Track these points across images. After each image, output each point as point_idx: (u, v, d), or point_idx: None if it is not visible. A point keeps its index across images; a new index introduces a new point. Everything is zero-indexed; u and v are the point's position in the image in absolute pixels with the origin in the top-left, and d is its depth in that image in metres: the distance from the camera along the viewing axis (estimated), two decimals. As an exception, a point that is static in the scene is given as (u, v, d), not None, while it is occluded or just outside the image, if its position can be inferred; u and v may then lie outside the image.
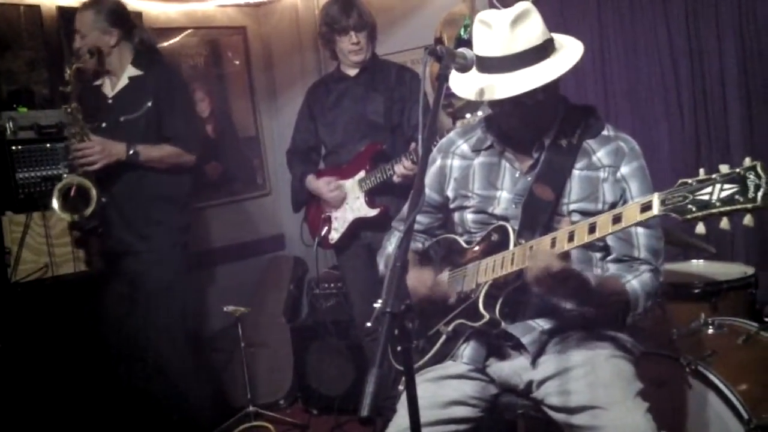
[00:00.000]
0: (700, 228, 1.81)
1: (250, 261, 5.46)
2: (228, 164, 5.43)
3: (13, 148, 4.01)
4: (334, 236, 4.01)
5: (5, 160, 3.98)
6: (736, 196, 1.73)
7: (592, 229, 2.05)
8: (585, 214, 2.33)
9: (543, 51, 2.31)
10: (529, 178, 2.45)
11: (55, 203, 3.69)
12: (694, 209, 1.79)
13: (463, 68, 2.23)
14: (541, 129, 2.43)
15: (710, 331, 3.14)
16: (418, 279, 2.44)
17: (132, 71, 3.89)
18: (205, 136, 5.17)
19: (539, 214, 2.37)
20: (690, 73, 4.03)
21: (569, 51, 2.36)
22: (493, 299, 2.33)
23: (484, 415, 2.43)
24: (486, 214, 2.50)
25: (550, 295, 2.31)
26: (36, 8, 4.43)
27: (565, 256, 2.09)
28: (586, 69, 4.23)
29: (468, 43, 4.59)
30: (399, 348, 1.69)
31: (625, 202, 2.36)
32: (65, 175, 3.82)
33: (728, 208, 1.74)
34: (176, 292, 3.96)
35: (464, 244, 2.54)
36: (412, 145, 3.71)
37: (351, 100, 3.99)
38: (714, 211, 1.76)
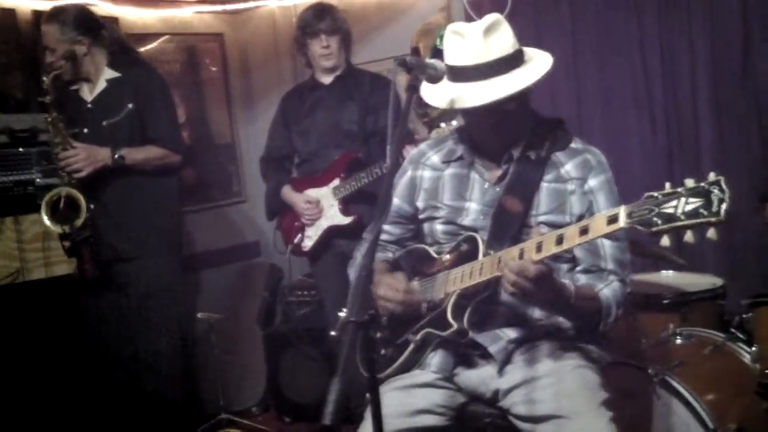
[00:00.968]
0: (665, 241, 1.83)
1: (225, 268, 5.43)
2: (203, 171, 5.41)
3: (-14, 152, 3.96)
4: (308, 244, 4.02)
5: (-22, 165, 3.94)
6: (701, 210, 1.76)
7: (559, 240, 2.06)
8: (553, 226, 2.35)
9: (514, 60, 2.33)
10: (498, 189, 2.46)
11: (44, 216, 3.61)
12: (659, 222, 1.81)
13: (433, 79, 2.25)
14: (511, 140, 2.45)
15: (678, 341, 3.17)
16: (391, 286, 2.45)
17: (109, 74, 3.82)
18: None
19: (508, 225, 2.38)
20: (662, 86, 4.08)
21: (539, 62, 2.38)
22: (462, 309, 2.34)
23: (451, 424, 2.43)
24: (455, 225, 2.51)
25: (527, 302, 2.33)
26: (10, 12, 4.39)
27: (539, 260, 2.11)
28: (560, 81, 4.26)
29: (443, 53, 4.63)
30: (361, 357, 1.69)
31: (591, 214, 2.36)
32: (55, 188, 3.71)
33: (692, 221, 1.77)
34: (172, 296, 3.93)
35: (434, 255, 2.55)
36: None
37: (325, 109, 4.00)
38: (679, 224, 1.79)
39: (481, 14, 4.44)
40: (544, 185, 2.42)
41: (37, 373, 3.93)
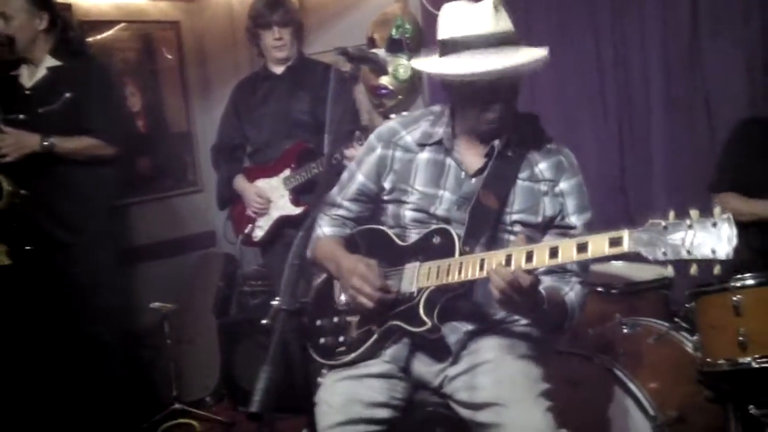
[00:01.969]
0: (669, 270, 1.89)
1: (180, 258, 5.41)
2: (159, 160, 5.38)
3: None
4: (258, 234, 4.01)
5: None
6: (710, 247, 1.80)
7: (554, 253, 2.05)
8: (526, 225, 2.36)
9: (517, 37, 2.32)
10: (474, 181, 2.41)
11: None
12: (667, 253, 1.85)
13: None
14: (497, 132, 2.38)
15: (624, 331, 3.21)
16: (367, 279, 2.34)
17: (51, 62, 3.82)
18: (136, 131, 5.12)
19: (485, 222, 2.36)
20: (614, 78, 4.12)
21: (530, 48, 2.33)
22: (432, 305, 2.30)
23: (400, 415, 2.41)
24: (426, 214, 2.44)
25: (508, 309, 2.28)
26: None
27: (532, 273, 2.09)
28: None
29: (398, 43, 4.62)
30: (298, 345, 1.69)
31: (562, 218, 2.39)
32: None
33: (701, 257, 1.82)
34: (107, 285, 3.92)
35: (397, 240, 2.48)
36: (357, 133, 3.70)
37: (277, 99, 4.00)
38: (686, 258, 1.84)
39: (437, 6, 4.47)
40: (519, 183, 2.39)
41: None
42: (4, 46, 3.74)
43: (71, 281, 3.85)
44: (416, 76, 4.49)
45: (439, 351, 2.41)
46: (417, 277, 2.35)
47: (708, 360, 2.92)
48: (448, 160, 2.45)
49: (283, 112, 3.97)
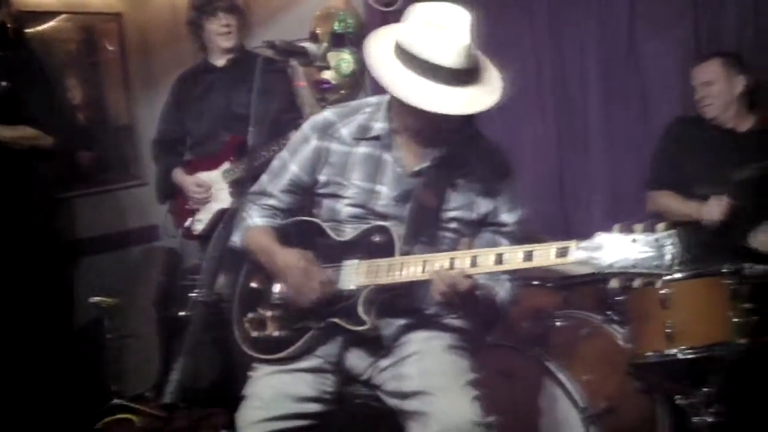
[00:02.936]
0: (614, 283, 1.96)
1: (122, 252, 5.34)
2: (100, 153, 5.30)
3: None
4: (198, 227, 3.97)
5: None
6: (654, 262, 1.87)
7: (498, 260, 2.10)
8: (461, 222, 2.40)
9: (481, 70, 2.30)
10: (412, 179, 2.41)
11: None
12: (612, 266, 1.91)
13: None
14: (441, 141, 2.38)
15: (558, 323, 3.26)
16: (309, 276, 2.34)
17: None
18: (77, 124, 5.05)
19: (424, 221, 2.38)
20: (552, 76, 4.18)
21: (494, 73, 2.33)
22: (370, 303, 2.30)
23: (331, 408, 2.41)
24: (365, 209, 2.43)
25: (446, 310, 2.33)
26: None
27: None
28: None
29: (341, 38, 4.63)
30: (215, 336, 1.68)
31: (495, 216, 2.43)
32: None
33: (645, 271, 1.89)
34: (44, 280, 3.90)
35: (333, 234, 2.45)
36: (300, 121, 3.67)
37: (218, 91, 3.96)
38: (631, 271, 1.90)
39: (379, 1, 4.49)
40: (457, 182, 2.41)
41: None
42: None
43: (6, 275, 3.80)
44: (359, 70, 4.52)
45: (373, 345, 2.42)
46: (356, 275, 2.34)
47: (637, 351, 2.98)
48: (386, 156, 2.43)
49: (223, 105, 3.93)
